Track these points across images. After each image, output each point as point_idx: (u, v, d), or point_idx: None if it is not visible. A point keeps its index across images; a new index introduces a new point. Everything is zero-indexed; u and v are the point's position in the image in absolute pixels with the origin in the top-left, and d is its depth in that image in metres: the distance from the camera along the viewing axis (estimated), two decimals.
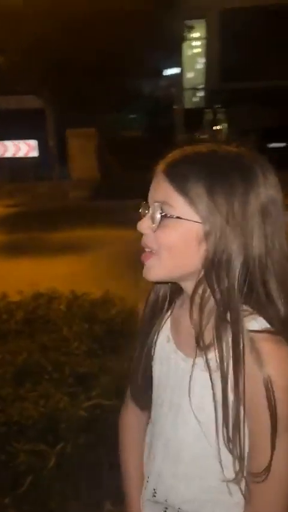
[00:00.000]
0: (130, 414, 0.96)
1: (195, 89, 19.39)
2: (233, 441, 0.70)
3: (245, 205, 0.69)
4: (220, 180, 0.69)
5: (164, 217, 0.73)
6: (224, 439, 0.71)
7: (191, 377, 0.75)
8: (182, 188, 0.71)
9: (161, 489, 0.83)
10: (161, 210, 0.73)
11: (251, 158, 0.72)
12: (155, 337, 0.86)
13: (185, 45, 16.98)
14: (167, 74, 15.38)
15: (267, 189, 0.70)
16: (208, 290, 0.72)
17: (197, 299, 0.74)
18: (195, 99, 19.65)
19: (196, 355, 0.75)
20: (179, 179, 0.71)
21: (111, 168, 11.31)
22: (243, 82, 16.77)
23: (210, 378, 0.72)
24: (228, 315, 0.70)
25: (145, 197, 0.79)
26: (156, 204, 0.74)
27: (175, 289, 0.85)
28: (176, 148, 0.76)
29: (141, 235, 0.78)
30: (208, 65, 18.74)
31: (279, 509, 0.71)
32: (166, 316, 0.87)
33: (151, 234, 0.75)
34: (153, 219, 0.74)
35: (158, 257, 0.75)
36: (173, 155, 0.75)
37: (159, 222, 0.73)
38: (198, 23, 17.23)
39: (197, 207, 0.70)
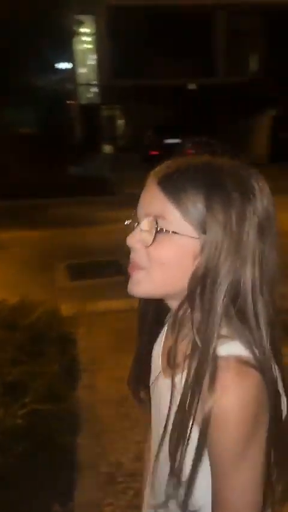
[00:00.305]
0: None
1: (88, 85, 19.34)
2: (172, 456, 0.67)
3: (243, 219, 0.65)
4: (218, 192, 0.65)
5: (159, 232, 0.67)
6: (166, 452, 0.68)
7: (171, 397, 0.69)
8: (179, 201, 0.66)
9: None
10: (156, 224, 0.67)
11: (246, 170, 0.68)
12: (153, 349, 0.84)
13: (76, 40, 16.80)
14: (60, 69, 15.09)
15: (263, 203, 0.67)
16: (189, 309, 0.67)
17: (179, 318, 0.70)
18: (89, 95, 19.61)
19: (166, 375, 0.73)
20: (175, 191, 0.66)
21: (6, 167, 10.82)
22: (134, 79, 17.10)
23: (170, 399, 0.68)
24: (201, 337, 0.64)
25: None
26: (149, 217, 0.69)
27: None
28: (166, 160, 0.72)
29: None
30: (99, 61, 18.80)
31: None
32: (163, 330, 0.83)
33: (142, 249, 0.70)
34: (145, 233, 0.69)
35: (147, 272, 0.70)
36: (167, 166, 0.70)
37: (153, 237, 0.68)
38: (88, 19, 17.17)
39: (194, 221, 0.65)
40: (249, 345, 0.64)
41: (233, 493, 0.64)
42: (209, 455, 0.65)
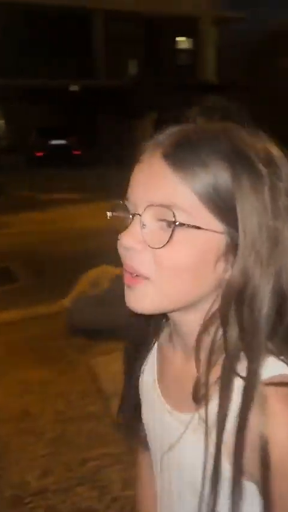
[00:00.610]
0: (142, 460, 0.75)
1: None
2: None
3: (277, 200, 0.49)
4: (246, 166, 0.48)
5: (174, 227, 0.48)
6: None
7: (181, 436, 0.55)
8: (197, 181, 0.48)
9: None
10: (173, 216, 0.48)
11: (269, 142, 0.52)
12: (141, 374, 0.66)
13: None
14: None
15: None
16: (221, 329, 0.51)
17: (206, 340, 0.53)
18: None
19: (188, 410, 0.55)
20: (190, 167, 0.48)
21: None
22: (15, 79, 16.45)
23: (205, 440, 0.51)
24: (244, 363, 0.49)
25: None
26: (153, 207, 0.50)
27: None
28: (165, 128, 0.53)
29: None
30: None
31: None
32: (153, 350, 0.65)
33: (145, 252, 0.50)
34: (150, 230, 0.50)
35: (154, 283, 0.51)
36: (171, 135, 0.51)
37: (170, 235, 0.48)
38: None
39: (219, 207, 0.48)
40: None
41: None
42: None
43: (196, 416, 0.53)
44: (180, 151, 0.49)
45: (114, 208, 0.55)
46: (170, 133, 0.52)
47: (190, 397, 0.53)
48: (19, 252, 5.55)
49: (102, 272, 3.40)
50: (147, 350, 0.65)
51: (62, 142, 16.01)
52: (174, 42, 20.30)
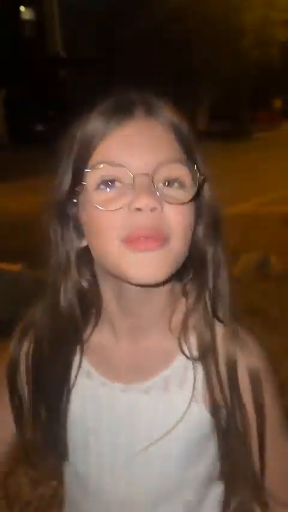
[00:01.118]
0: None
1: None
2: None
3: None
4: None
5: (199, 180, 0.54)
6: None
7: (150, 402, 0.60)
8: (190, 144, 0.57)
9: None
10: (198, 172, 0.54)
11: None
12: (74, 377, 0.63)
13: None
14: None
15: None
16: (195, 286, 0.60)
17: (189, 298, 0.60)
18: None
19: (148, 378, 0.60)
20: (184, 131, 0.56)
21: None
22: None
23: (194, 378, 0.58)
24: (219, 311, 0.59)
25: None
26: (165, 166, 0.52)
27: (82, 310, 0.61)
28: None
29: None
30: None
31: None
32: (76, 350, 0.64)
33: (163, 212, 0.52)
34: (171, 189, 0.53)
35: (172, 244, 0.53)
36: (151, 101, 0.56)
37: (194, 193, 0.54)
38: None
39: (199, 166, 0.55)
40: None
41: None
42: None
43: (160, 376, 0.59)
44: (176, 121, 0.56)
45: (95, 170, 0.53)
46: (144, 99, 0.56)
47: (146, 367, 0.60)
48: None
49: None
50: (68, 351, 0.63)
51: None
52: (18, 12, 19.05)
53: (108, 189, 0.52)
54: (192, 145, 0.56)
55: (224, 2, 15.59)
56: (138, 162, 0.52)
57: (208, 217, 0.58)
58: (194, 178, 0.53)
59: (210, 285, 0.59)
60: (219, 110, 19.25)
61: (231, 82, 17.18)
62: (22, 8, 19.20)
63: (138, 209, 0.50)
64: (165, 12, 15.61)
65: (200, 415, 0.59)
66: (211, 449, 0.62)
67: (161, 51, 15.40)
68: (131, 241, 0.51)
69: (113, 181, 0.52)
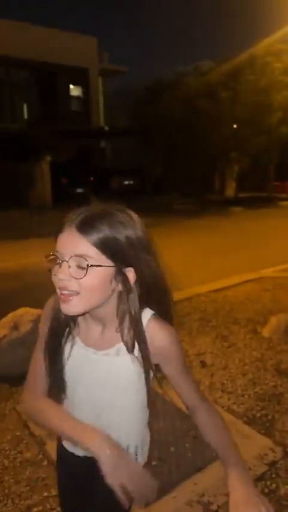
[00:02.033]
0: (39, 398, 1.09)
1: None
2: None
3: (133, 243, 0.92)
4: (116, 232, 0.90)
5: (87, 267, 0.88)
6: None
7: (110, 361, 1.02)
8: (98, 242, 0.89)
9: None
10: (86, 261, 0.88)
11: (123, 211, 0.95)
12: (70, 345, 1.06)
13: None
14: None
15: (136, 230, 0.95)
16: (122, 305, 0.98)
17: (120, 312, 0.99)
18: None
19: (109, 347, 1.03)
20: (94, 235, 0.89)
21: None
22: None
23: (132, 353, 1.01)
24: (134, 314, 0.98)
25: None
26: (74, 257, 0.89)
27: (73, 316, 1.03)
28: (75, 209, 0.92)
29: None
30: None
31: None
32: (71, 337, 1.06)
33: (73, 280, 0.89)
34: (75, 268, 0.89)
35: (80, 297, 0.91)
36: (79, 214, 0.91)
37: (86, 271, 0.89)
38: None
39: (109, 254, 0.90)
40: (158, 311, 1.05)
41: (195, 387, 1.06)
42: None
43: (115, 347, 1.02)
44: (88, 227, 0.89)
45: (48, 256, 0.93)
46: (78, 213, 0.91)
47: (108, 341, 1.03)
48: None
49: (22, 314, 3.30)
50: (65, 337, 1.07)
51: None
52: (68, 89, 21.23)
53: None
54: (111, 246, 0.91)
55: (253, 84, 16.86)
56: (62, 253, 0.91)
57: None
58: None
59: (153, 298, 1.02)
60: (247, 180, 20.29)
61: (259, 154, 18.17)
62: (71, 86, 21.44)
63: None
64: (197, 90, 16.99)
65: (137, 369, 1.02)
66: (143, 389, 1.06)
67: (193, 126, 16.60)
68: None
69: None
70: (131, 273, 0.94)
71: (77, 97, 21.73)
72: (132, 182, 19.10)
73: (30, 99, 20.39)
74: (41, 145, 16.98)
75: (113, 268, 0.92)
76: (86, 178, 17.48)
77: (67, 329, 1.06)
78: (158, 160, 19.66)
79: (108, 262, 0.91)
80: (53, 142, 17.23)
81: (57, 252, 0.92)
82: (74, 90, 21.65)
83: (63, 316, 1.03)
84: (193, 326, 4.18)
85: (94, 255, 0.89)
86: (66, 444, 1.18)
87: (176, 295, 5.04)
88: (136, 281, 0.95)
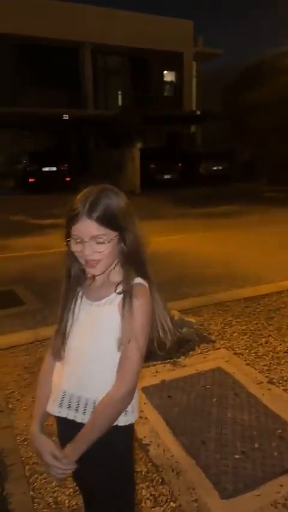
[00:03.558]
0: (49, 363, 1.40)
1: None
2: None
3: (123, 211, 1.23)
4: (112, 207, 1.21)
5: (105, 242, 1.21)
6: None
7: (101, 310, 1.28)
8: (104, 222, 1.19)
9: (70, 391, 1.30)
10: (100, 238, 1.20)
11: (114, 190, 1.26)
12: (78, 302, 1.32)
13: None
14: None
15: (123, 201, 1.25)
16: (120, 267, 1.29)
17: (117, 271, 1.30)
18: None
19: (100, 298, 1.29)
20: (101, 218, 1.19)
21: None
22: (6, 106, 16.88)
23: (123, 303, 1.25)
24: (128, 275, 1.26)
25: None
26: (92, 238, 1.20)
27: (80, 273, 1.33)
28: (75, 200, 1.21)
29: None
30: None
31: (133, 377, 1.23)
32: (78, 290, 1.34)
33: (96, 254, 1.22)
34: (98, 245, 1.21)
35: (102, 263, 1.25)
36: (87, 205, 1.19)
37: (107, 247, 1.22)
38: None
39: (113, 226, 1.21)
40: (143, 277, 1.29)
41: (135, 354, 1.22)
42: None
43: (106, 299, 1.28)
44: (92, 213, 1.19)
45: (66, 241, 1.26)
46: (83, 203, 1.21)
47: (103, 294, 1.28)
48: (19, 275, 5.68)
49: None
50: (76, 290, 1.35)
51: (53, 169, 16.45)
52: (161, 75, 21.23)
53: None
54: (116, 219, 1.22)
55: None
56: (81, 235, 1.22)
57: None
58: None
59: (133, 262, 1.27)
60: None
61: None
62: (165, 72, 21.43)
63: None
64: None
65: (117, 319, 1.24)
66: (120, 340, 1.24)
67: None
68: None
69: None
70: (127, 235, 1.24)
71: (170, 82, 21.67)
72: (220, 167, 18.62)
73: (124, 86, 20.78)
74: (132, 131, 17.25)
75: (117, 236, 1.23)
76: (175, 164, 17.38)
77: (77, 289, 1.34)
78: (249, 144, 18.89)
79: (114, 233, 1.22)
80: (144, 127, 17.41)
81: (75, 236, 1.22)
82: (168, 75, 21.64)
83: (73, 278, 1.33)
84: (283, 321, 4.02)
85: (104, 231, 1.21)
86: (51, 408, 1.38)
87: (266, 288, 4.91)
88: (125, 242, 1.24)
